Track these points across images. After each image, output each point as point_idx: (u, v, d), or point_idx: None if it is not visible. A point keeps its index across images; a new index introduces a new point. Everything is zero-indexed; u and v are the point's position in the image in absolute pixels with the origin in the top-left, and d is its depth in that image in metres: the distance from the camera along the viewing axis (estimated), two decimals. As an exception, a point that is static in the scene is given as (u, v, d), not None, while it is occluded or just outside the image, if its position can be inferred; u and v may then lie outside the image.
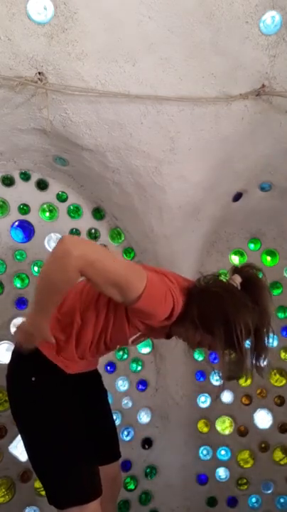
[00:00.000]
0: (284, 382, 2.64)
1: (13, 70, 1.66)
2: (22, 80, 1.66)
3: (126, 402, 2.42)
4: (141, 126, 1.90)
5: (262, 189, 2.42)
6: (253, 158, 2.21)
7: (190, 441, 2.55)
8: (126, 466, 2.41)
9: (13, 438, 2.11)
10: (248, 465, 2.60)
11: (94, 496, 1.37)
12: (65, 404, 1.44)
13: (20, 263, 2.19)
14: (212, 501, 2.58)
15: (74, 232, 2.32)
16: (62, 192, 2.30)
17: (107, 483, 1.49)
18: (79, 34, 1.64)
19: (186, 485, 2.54)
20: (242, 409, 2.61)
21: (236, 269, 1.44)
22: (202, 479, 2.58)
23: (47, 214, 2.27)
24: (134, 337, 1.50)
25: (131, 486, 2.44)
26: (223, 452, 2.60)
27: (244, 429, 2.62)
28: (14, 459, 2.11)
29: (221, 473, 2.59)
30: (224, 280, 1.41)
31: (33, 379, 1.43)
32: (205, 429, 2.60)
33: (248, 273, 1.42)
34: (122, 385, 2.42)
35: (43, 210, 2.26)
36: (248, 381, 2.61)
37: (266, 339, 1.37)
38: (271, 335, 1.38)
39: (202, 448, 2.59)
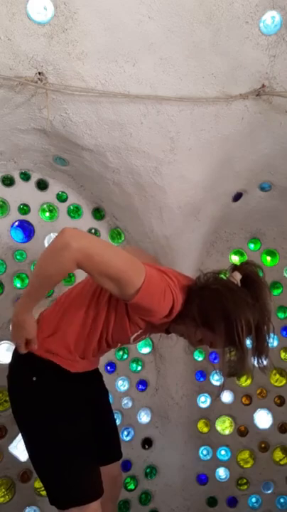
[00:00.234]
0: (284, 382, 2.64)
1: (13, 70, 1.66)
2: (22, 80, 1.66)
3: (126, 402, 2.42)
4: (141, 126, 1.90)
5: (262, 189, 2.42)
6: (253, 158, 2.21)
7: (190, 441, 2.55)
8: (126, 466, 2.41)
9: (13, 438, 2.11)
10: (248, 465, 2.60)
11: (95, 496, 1.37)
12: (66, 404, 1.44)
13: (20, 263, 2.19)
14: (212, 501, 2.58)
15: (74, 232, 2.32)
16: (62, 192, 2.30)
17: (108, 483, 1.49)
18: (79, 34, 1.65)
19: (186, 485, 2.54)
20: (242, 409, 2.61)
21: (235, 267, 1.44)
22: (202, 479, 2.58)
23: (47, 214, 2.27)
24: (135, 335, 1.50)
25: (131, 486, 2.44)
26: (223, 452, 2.60)
27: (244, 429, 2.62)
28: (14, 459, 2.11)
29: (222, 473, 2.59)
30: (224, 278, 1.42)
31: (34, 379, 1.43)
32: (205, 429, 2.60)
33: (247, 270, 1.42)
34: (122, 385, 2.42)
35: (43, 210, 2.26)
36: (248, 381, 2.62)
37: (266, 336, 1.37)
38: (271, 332, 1.38)
39: (202, 448, 2.59)
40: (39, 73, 1.68)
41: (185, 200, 2.15)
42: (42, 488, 2.14)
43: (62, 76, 1.72)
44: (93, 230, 2.37)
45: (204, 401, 2.60)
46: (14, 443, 2.11)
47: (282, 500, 2.60)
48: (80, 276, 2.32)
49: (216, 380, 2.60)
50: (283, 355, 2.65)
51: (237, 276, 1.39)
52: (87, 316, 1.46)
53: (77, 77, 1.73)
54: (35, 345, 1.44)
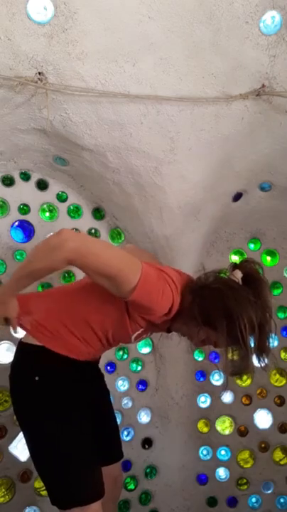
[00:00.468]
0: (284, 382, 2.64)
1: (13, 70, 1.66)
2: (22, 80, 1.66)
3: (126, 402, 2.43)
4: (141, 126, 1.90)
5: (262, 189, 2.42)
6: (253, 158, 2.21)
7: (190, 441, 2.55)
8: (126, 466, 2.41)
9: (13, 438, 2.10)
10: (248, 465, 2.60)
11: (97, 497, 1.37)
12: (68, 404, 1.44)
13: (20, 263, 2.19)
14: (212, 501, 2.58)
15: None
16: (62, 192, 2.30)
17: (109, 483, 1.49)
18: (79, 34, 1.64)
19: (186, 485, 2.54)
20: (242, 409, 2.61)
21: (236, 265, 1.45)
22: (202, 479, 2.58)
23: (47, 214, 2.27)
24: (137, 333, 1.50)
25: (131, 486, 2.44)
26: (223, 452, 2.60)
27: (244, 429, 2.62)
28: (14, 459, 2.11)
29: (221, 473, 2.59)
30: (225, 276, 1.42)
31: (37, 378, 1.43)
32: (205, 429, 2.60)
33: (248, 268, 1.43)
34: (122, 385, 2.42)
35: (43, 210, 2.26)
36: (248, 381, 2.62)
37: (269, 333, 1.37)
38: (273, 329, 1.38)
39: (202, 448, 2.59)
40: (39, 73, 1.68)
41: (185, 200, 2.15)
42: (43, 488, 2.14)
43: (62, 76, 1.72)
44: (93, 230, 2.37)
45: (204, 401, 2.60)
46: (14, 443, 2.11)
47: (282, 500, 2.60)
48: (79, 274, 2.32)
49: (216, 380, 2.61)
50: (283, 355, 2.65)
51: (238, 275, 1.39)
52: (89, 312, 1.46)
53: (77, 77, 1.73)
54: (15, 325, 1.47)
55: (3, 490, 2.09)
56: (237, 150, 2.12)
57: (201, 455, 2.59)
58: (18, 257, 2.19)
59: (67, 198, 2.31)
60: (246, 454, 2.61)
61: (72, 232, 1.31)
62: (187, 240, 2.31)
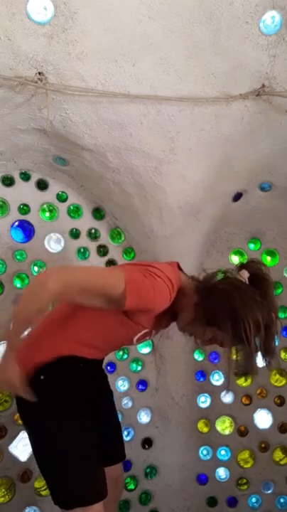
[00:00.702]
0: (284, 382, 2.64)
1: (13, 70, 1.66)
2: (22, 80, 1.66)
3: (126, 402, 2.43)
4: (141, 126, 1.90)
5: (262, 189, 2.42)
6: (253, 158, 2.21)
7: (190, 441, 2.55)
8: (126, 466, 2.41)
9: (13, 438, 2.11)
10: (248, 465, 2.60)
11: (99, 498, 1.36)
12: (72, 404, 1.44)
13: (20, 263, 2.19)
14: (212, 501, 2.58)
15: (74, 232, 2.32)
16: (62, 192, 2.30)
17: (110, 484, 1.49)
18: (79, 34, 1.64)
19: (186, 485, 2.54)
20: (242, 409, 2.61)
21: (242, 265, 1.46)
22: (202, 479, 2.58)
23: (47, 214, 2.27)
24: (139, 335, 1.50)
25: (131, 486, 2.44)
26: (223, 452, 2.60)
27: (244, 429, 2.62)
28: (14, 459, 2.11)
29: (221, 473, 2.59)
30: (231, 276, 1.42)
31: (42, 377, 1.43)
32: (205, 429, 2.60)
33: (255, 268, 1.44)
34: (122, 385, 2.42)
35: (43, 210, 2.26)
36: (249, 381, 2.61)
37: (275, 334, 1.37)
38: (279, 329, 1.39)
39: (202, 448, 2.59)
40: (39, 73, 1.68)
41: (185, 200, 2.15)
42: (43, 488, 2.15)
43: (62, 76, 1.72)
44: (93, 230, 2.37)
45: (204, 401, 2.60)
46: (14, 443, 2.11)
47: (282, 500, 2.59)
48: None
49: (216, 380, 2.60)
50: (283, 355, 2.65)
51: (245, 275, 1.40)
52: (90, 319, 1.47)
53: (77, 77, 1.73)
54: (24, 393, 1.34)
55: (3, 490, 2.09)
56: (237, 150, 2.12)
57: (201, 455, 2.59)
58: (18, 257, 2.19)
59: (67, 198, 2.31)
60: (246, 454, 2.61)
61: (49, 272, 1.35)
62: (187, 240, 2.31)
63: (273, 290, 1.42)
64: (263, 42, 1.82)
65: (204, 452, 2.59)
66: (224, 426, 2.61)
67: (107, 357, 2.31)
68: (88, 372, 1.53)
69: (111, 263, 2.40)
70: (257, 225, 2.63)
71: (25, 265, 2.20)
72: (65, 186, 2.29)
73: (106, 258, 2.40)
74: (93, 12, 1.62)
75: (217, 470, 2.58)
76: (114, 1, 1.62)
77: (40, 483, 2.15)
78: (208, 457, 2.59)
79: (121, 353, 2.43)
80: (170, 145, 1.98)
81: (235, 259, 2.65)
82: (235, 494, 2.58)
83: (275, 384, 2.64)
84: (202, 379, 2.61)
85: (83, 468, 1.37)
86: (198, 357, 2.60)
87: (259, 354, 1.37)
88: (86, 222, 2.36)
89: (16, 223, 2.20)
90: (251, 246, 2.67)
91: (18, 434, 2.10)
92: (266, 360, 1.39)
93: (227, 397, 2.60)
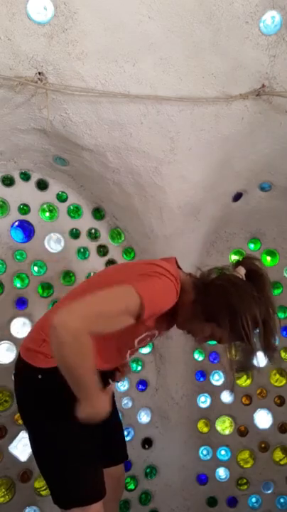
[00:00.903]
0: (284, 382, 2.64)
1: (13, 70, 1.66)
2: (22, 80, 1.66)
3: (126, 402, 2.43)
4: (141, 126, 1.90)
5: (262, 189, 2.42)
6: (253, 158, 2.21)
7: (190, 441, 2.55)
8: (126, 466, 2.41)
9: (13, 438, 2.11)
10: (248, 465, 2.60)
11: (98, 497, 1.37)
12: (72, 404, 1.44)
13: (20, 263, 2.19)
14: (212, 501, 2.58)
15: (75, 232, 2.32)
16: (62, 192, 2.30)
17: (111, 484, 1.49)
18: (79, 34, 1.64)
19: (186, 485, 2.54)
20: (242, 409, 2.61)
21: (238, 262, 1.46)
22: (202, 479, 2.58)
23: (47, 214, 2.27)
24: (139, 338, 1.50)
25: (131, 486, 2.44)
26: (223, 452, 2.60)
27: (244, 429, 2.62)
28: (14, 459, 2.11)
29: (221, 473, 2.59)
30: (228, 273, 1.42)
31: (40, 377, 1.43)
32: (205, 429, 2.60)
33: (250, 264, 1.44)
34: (122, 385, 2.42)
35: (43, 210, 2.26)
36: (248, 381, 2.62)
37: (273, 329, 1.37)
38: (277, 325, 1.39)
39: (202, 448, 2.59)
40: (39, 73, 1.68)
41: (185, 200, 2.15)
42: (43, 488, 2.15)
43: (62, 76, 1.72)
44: (93, 230, 2.37)
45: (204, 401, 2.60)
46: (14, 443, 2.11)
47: (282, 500, 2.59)
48: (81, 276, 2.32)
49: (216, 380, 2.61)
50: (283, 355, 2.65)
51: (241, 271, 1.41)
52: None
53: (77, 77, 1.73)
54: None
55: (3, 490, 2.09)
56: (237, 150, 2.13)
57: (201, 455, 2.59)
58: (18, 257, 2.19)
59: (67, 198, 2.31)
60: (246, 454, 2.61)
61: (58, 315, 1.13)
62: (187, 240, 2.31)
63: (270, 286, 1.41)
64: (263, 42, 1.82)
65: (204, 452, 2.59)
66: (224, 426, 2.61)
67: (107, 357, 2.33)
68: None
69: (111, 263, 2.40)
70: (257, 225, 2.63)
71: (25, 265, 2.20)
72: (65, 186, 2.29)
73: (106, 258, 2.40)
74: (93, 12, 1.62)
75: (217, 470, 2.58)
76: (114, 1, 1.62)
77: (40, 483, 2.15)
78: (208, 457, 2.59)
79: (121, 353, 2.43)
80: (170, 145, 1.98)
81: (235, 259, 2.65)
82: (235, 494, 2.58)
83: (275, 384, 2.64)
84: (202, 379, 2.61)
85: (83, 468, 1.37)
86: (198, 357, 2.60)
87: (260, 350, 1.37)
88: (86, 222, 2.36)
89: (16, 223, 2.20)
90: (251, 246, 2.67)
91: (18, 434, 2.10)
92: (267, 356, 1.39)
93: (227, 397, 2.60)
